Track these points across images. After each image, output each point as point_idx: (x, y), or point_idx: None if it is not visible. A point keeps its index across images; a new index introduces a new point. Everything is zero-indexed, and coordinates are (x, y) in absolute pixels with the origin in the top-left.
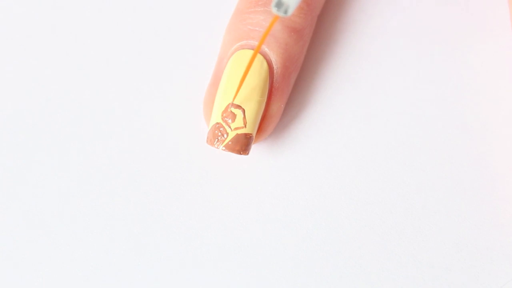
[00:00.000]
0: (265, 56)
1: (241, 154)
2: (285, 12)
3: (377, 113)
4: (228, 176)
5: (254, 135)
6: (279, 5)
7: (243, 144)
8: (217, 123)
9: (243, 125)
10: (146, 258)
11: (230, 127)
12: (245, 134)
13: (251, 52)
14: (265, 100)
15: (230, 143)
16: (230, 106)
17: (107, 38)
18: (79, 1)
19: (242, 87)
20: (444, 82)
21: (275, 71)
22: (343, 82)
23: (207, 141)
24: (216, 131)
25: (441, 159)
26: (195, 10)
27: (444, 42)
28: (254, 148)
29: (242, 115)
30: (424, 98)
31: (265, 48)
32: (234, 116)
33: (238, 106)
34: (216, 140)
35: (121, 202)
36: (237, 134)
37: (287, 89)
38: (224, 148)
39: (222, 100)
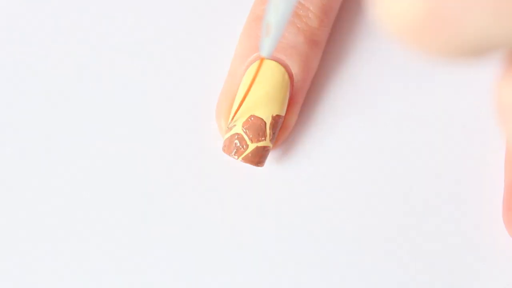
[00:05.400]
0: (286, 69)
1: (257, 166)
2: None
3: (380, 115)
4: (230, 178)
5: (271, 147)
6: None
7: (261, 157)
8: (237, 133)
9: (263, 138)
10: (147, 259)
11: (250, 139)
12: (264, 147)
13: (274, 64)
14: (285, 113)
15: (249, 155)
16: (251, 117)
17: (114, 40)
18: (90, 2)
19: (264, 99)
20: (446, 82)
21: (295, 84)
22: (345, 84)
23: (223, 149)
24: (236, 142)
25: (443, 160)
26: (204, 10)
27: None
28: None
29: (263, 128)
30: (428, 99)
31: (286, 61)
32: (255, 128)
33: (260, 119)
34: (235, 150)
35: (122, 203)
36: (257, 146)
37: (302, 99)
38: (242, 160)
39: (243, 111)
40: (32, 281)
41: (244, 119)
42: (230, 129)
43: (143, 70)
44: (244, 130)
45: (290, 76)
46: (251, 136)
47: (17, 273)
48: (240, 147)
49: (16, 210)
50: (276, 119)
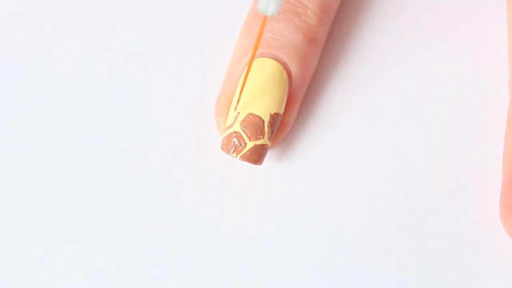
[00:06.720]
0: (285, 67)
1: (256, 164)
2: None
3: (379, 113)
4: (230, 178)
5: (269, 145)
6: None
7: (260, 155)
8: (235, 131)
9: (261, 136)
10: (147, 259)
11: (248, 137)
12: (262, 145)
13: (273, 62)
14: (283, 111)
15: (248, 153)
16: (249, 115)
17: (114, 40)
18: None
19: (262, 97)
20: (446, 82)
21: (293, 82)
22: (345, 82)
23: (221, 147)
24: (234, 140)
25: (443, 159)
26: (204, 10)
27: (445, 43)
28: None
29: (262, 126)
30: (428, 98)
31: (285, 59)
32: (253, 126)
33: (258, 117)
34: (233, 149)
35: (122, 203)
36: (255, 144)
37: (301, 98)
38: (240, 158)
39: (241, 109)
40: (32, 281)
41: (242, 117)
42: (229, 127)
43: (143, 70)
44: (242, 128)
45: (289, 74)
46: (249, 134)
47: (17, 273)
48: (238, 145)
49: (16, 210)
50: (274, 117)
